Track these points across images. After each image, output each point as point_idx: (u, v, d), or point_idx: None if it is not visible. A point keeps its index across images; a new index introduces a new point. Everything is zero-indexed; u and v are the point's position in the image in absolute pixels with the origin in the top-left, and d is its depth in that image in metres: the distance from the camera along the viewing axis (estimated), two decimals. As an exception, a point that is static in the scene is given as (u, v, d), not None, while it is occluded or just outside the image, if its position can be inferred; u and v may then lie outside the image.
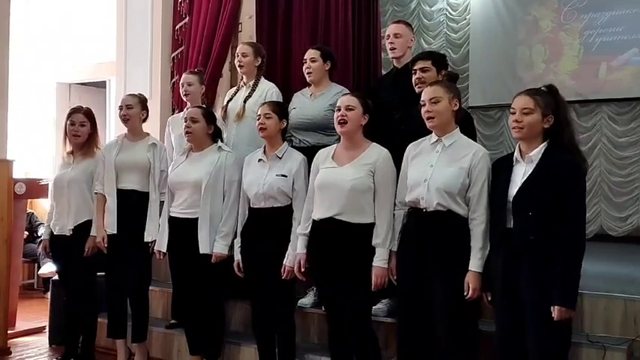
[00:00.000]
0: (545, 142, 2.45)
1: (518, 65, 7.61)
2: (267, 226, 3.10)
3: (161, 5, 4.86)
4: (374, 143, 2.88)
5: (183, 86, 3.94)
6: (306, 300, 3.58)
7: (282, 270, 3.00)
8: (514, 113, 2.47)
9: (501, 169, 2.55)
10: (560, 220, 2.34)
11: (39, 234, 5.82)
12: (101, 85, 6.40)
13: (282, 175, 3.07)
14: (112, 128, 5.33)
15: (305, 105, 3.60)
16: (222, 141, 3.45)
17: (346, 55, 4.23)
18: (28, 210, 5.57)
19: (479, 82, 7.75)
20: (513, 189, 2.44)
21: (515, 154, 2.53)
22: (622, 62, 7.10)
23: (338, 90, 3.58)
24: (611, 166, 7.08)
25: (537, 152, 2.44)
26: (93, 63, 6.15)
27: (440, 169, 2.61)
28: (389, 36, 3.56)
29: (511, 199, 2.44)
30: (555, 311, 2.30)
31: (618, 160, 7.08)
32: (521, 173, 2.46)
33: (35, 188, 4.75)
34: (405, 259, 2.70)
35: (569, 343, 2.45)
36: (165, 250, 3.37)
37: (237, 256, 3.20)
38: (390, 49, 3.55)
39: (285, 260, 3.01)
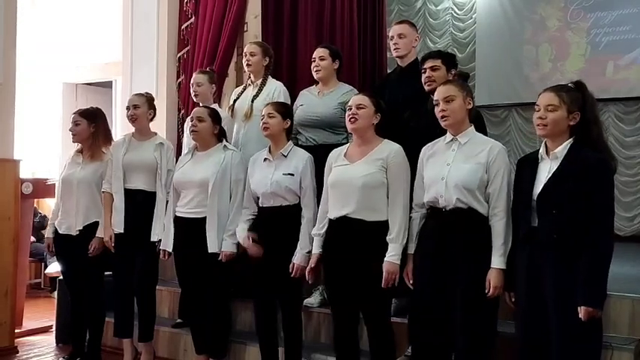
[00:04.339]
0: (571, 139, 2.40)
1: (524, 64, 7.61)
2: (274, 224, 3.10)
3: (167, 5, 4.87)
4: (386, 139, 2.87)
5: (193, 87, 3.95)
6: (312, 299, 3.57)
7: (291, 267, 3.01)
8: (538, 110, 2.42)
9: (526, 166, 2.51)
10: (586, 218, 2.29)
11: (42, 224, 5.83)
12: (107, 85, 6.43)
13: (289, 174, 3.08)
14: (118, 128, 5.34)
15: (313, 102, 3.60)
16: (227, 141, 3.46)
17: (352, 54, 4.23)
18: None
19: (485, 82, 7.75)
20: (538, 187, 2.40)
21: (540, 150, 2.48)
22: (629, 61, 7.08)
23: (347, 89, 3.58)
24: (618, 165, 7.04)
25: (562, 149, 2.40)
26: (99, 63, 6.17)
27: (457, 166, 2.59)
28: (392, 37, 3.55)
29: (535, 197, 2.40)
30: (582, 312, 2.25)
31: (625, 159, 7.06)
32: (546, 170, 2.42)
33: (42, 188, 4.77)
34: (424, 260, 2.67)
35: (599, 343, 2.40)
36: (170, 250, 3.37)
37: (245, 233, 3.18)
38: (394, 50, 3.54)
39: (293, 258, 3.02)
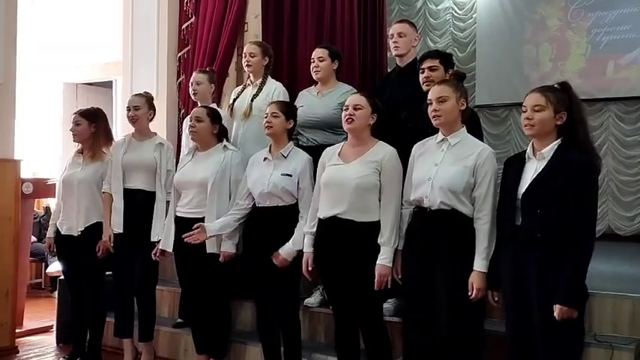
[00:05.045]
0: (559, 140, 2.43)
1: (525, 64, 7.59)
2: (271, 225, 3.10)
3: (167, 5, 4.87)
4: (381, 141, 2.87)
5: (192, 85, 3.95)
6: (313, 299, 3.57)
7: (274, 257, 3.00)
8: (525, 111, 2.44)
9: (513, 165, 2.54)
10: (569, 218, 2.31)
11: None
12: (108, 85, 6.43)
13: (287, 175, 3.07)
14: (118, 128, 5.34)
15: (312, 103, 3.60)
16: (227, 140, 3.46)
17: (352, 54, 4.22)
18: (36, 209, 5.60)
19: (485, 81, 7.74)
20: (523, 186, 2.42)
21: (527, 151, 2.50)
22: (629, 60, 7.07)
23: (346, 89, 3.58)
24: (618, 165, 7.05)
25: (549, 149, 2.42)
26: (99, 63, 6.18)
27: (444, 167, 2.60)
28: (392, 35, 3.55)
29: (520, 197, 2.42)
30: (556, 310, 2.28)
31: (626, 159, 7.05)
32: (532, 170, 2.44)
33: (42, 188, 4.77)
34: (409, 258, 2.69)
35: (581, 343, 2.43)
36: (171, 250, 3.37)
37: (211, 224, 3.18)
38: (394, 48, 3.54)
39: (280, 250, 3.01)
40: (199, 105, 3.70)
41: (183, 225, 3.30)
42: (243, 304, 3.76)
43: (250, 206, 3.21)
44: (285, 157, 3.13)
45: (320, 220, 2.87)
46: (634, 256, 5.18)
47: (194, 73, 4.04)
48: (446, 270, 2.55)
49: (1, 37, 4.00)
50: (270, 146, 3.20)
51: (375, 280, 2.71)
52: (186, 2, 4.85)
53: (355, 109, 2.82)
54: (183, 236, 3.12)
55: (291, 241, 3.02)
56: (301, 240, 2.99)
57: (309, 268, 2.94)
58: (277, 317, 3.17)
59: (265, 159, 3.18)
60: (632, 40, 7.03)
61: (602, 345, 2.84)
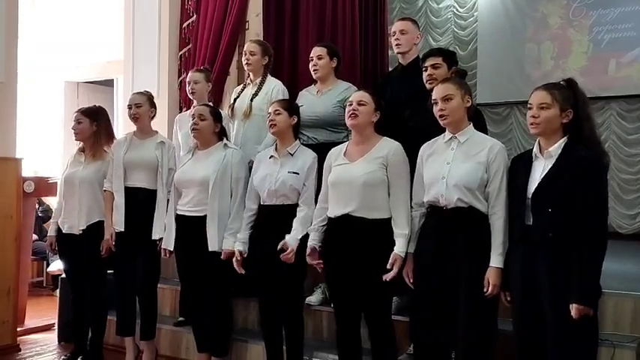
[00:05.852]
0: (565, 138, 2.41)
1: (526, 62, 7.59)
2: (276, 223, 3.09)
3: (168, 3, 4.88)
4: (385, 137, 2.87)
5: (189, 84, 3.95)
6: (314, 298, 3.58)
7: (285, 248, 2.96)
8: (531, 109, 2.43)
9: (520, 165, 2.52)
10: (580, 216, 2.29)
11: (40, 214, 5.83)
12: (109, 83, 6.43)
13: (295, 173, 3.08)
14: (119, 126, 5.34)
15: (312, 102, 3.60)
16: (227, 139, 3.46)
17: (353, 52, 4.22)
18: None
19: (487, 79, 7.73)
20: (532, 185, 2.40)
21: (534, 149, 2.49)
22: (631, 59, 7.06)
23: (345, 86, 3.58)
24: (620, 163, 7.04)
25: (557, 147, 2.40)
26: (101, 62, 6.18)
27: (457, 165, 2.59)
28: (394, 33, 3.54)
29: (530, 196, 2.40)
30: (573, 309, 2.26)
31: (628, 157, 7.05)
32: (540, 169, 2.42)
33: (44, 186, 4.77)
34: (425, 259, 2.66)
35: (595, 342, 2.41)
36: (172, 249, 3.38)
37: (238, 247, 3.19)
38: (396, 46, 3.54)
39: (289, 241, 2.96)
40: (199, 103, 3.70)
41: (184, 223, 3.31)
42: (245, 302, 3.76)
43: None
44: (292, 155, 3.14)
45: (330, 219, 2.86)
46: (636, 255, 5.17)
47: (190, 73, 4.04)
48: (463, 268, 2.53)
49: (3, 36, 4.01)
50: (277, 144, 3.20)
51: (389, 265, 2.67)
52: (187, 1, 4.85)
53: (359, 104, 2.82)
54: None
55: (291, 234, 3.00)
56: (300, 230, 2.98)
57: (314, 261, 2.91)
58: (280, 316, 3.17)
59: (271, 157, 3.18)
60: (634, 38, 7.02)
61: (604, 344, 2.83)
